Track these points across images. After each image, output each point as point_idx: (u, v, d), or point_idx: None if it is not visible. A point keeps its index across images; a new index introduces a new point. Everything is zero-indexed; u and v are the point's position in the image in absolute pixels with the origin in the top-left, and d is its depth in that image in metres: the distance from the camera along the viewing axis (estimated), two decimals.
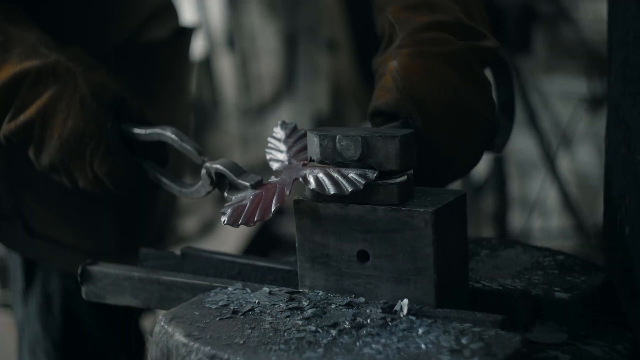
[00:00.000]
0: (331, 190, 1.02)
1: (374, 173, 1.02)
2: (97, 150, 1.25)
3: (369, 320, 0.98)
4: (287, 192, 1.07)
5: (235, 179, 1.15)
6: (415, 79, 1.16)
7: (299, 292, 1.07)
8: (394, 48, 1.19)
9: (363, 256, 1.03)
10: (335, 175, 1.04)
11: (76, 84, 1.26)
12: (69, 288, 1.67)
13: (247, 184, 1.13)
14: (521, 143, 3.61)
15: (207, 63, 4.87)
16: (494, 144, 1.28)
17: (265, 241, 3.90)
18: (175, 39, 1.69)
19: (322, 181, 1.04)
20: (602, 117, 3.08)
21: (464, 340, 0.92)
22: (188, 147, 1.22)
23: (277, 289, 1.08)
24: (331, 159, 1.05)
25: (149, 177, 1.27)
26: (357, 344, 0.93)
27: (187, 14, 4.66)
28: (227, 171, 1.16)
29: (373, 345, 0.92)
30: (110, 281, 1.19)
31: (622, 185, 1.20)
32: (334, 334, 0.95)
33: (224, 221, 1.07)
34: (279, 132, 1.19)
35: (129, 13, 1.59)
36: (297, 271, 1.08)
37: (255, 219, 1.05)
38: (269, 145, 1.18)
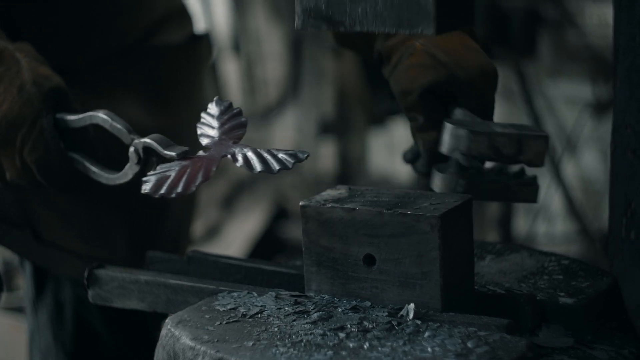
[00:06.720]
0: (258, 168, 1.03)
1: (305, 154, 1.03)
2: (28, 136, 1.23)
3: (375, 324, 0.98)
4: (214, 168, 1.07)
5: (162, 150, 1.15)
6: (451, 50, 1.22)
7: (305, 296, 1.07)
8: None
9: (369, 260, 1.04)
10: (265, 154, 1.04)
11: (18, 70, 1.25)
12: (80, 296, 1.66)
13: (174, 153, 1.13)
14: None
15: (212, 67, 4.87)
16: None
17: (270, 245, 3.90)
18: (189, 44, 1.69)
19: (250, 159, 1.04)
20: (606, 122, 3.08)
21: (469, 344, 0.92)
22: (118, 126, 1.21)
23: (283, 292, 1.08)
24: (483, 155, 1.06)
25: (77, 168, 1.26)
26: (365, 347, 0.93)
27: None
28: (155, 143, 1.16)
29: (380, 349, 0.92)
30: (117, 284, 1.19)
31: (627, 189, 1.20)
32: (341, 337, 0.95)
33: (144, 189, 1.06)
34: (213, 109, 1.19)
35: (139, 12, 1.59)
36: (304, 275, 1.08)
37: (178, 190, 1.04)
38: (202, 120, 1.18)
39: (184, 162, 1.09)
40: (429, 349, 0.92)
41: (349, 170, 4.28)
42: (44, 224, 1.57)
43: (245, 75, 4.74)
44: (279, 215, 4.10)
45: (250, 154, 1.05)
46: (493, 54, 3.41)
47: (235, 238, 3.98)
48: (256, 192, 4.29)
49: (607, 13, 3.14)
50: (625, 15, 1.20)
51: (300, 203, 1.07)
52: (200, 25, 3.88)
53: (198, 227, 4.15)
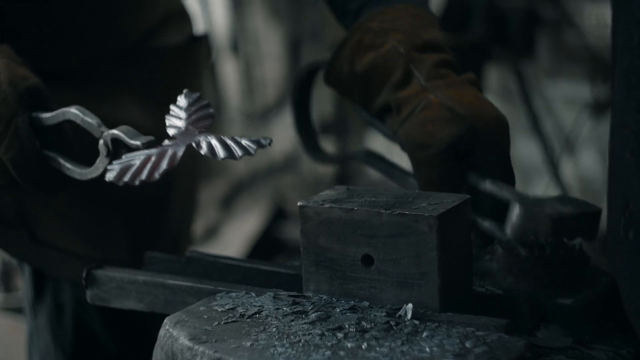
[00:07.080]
0: (221, 154, 1.03)
1: (267, 140, 1.04)
2: (4, 135, 1.23)
3: (373, 324, 0.98)
4: (179, 156, 1.07)
5: (129, 140, 1.15)
6: (467, 104, 1.19)
7: (304, 296, 1.07)
8: (422, 84, 1.21)
9: (367, 260, 1.04)
10: (228, 141, 1.05)
11: None
12: (80, 298, 1.66)
13: (139, 142, 1.13)
14: (524, 148, 3.62)
15: (211, 68, 4.87)
16: None
17: (269, 246, 3.91)
18: (188, 45, 1.69)
19: (214, 146, 1.05)
20: (605, 122, 3.08)
21: (468, 344, 0.92)
22: (89, 120, 1.21)
23: (281, 293, 1.08)
24: (558, 236, 1.08)
25: (53, 165, 1.26)
26: (363, 347, 0.93)
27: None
28: (121, 134, 1.16)
29: (378, 349, 0.92)
30: (115, 285, 1.19)
31: (626, 190, 1.20)
32: (339, 337, 0.95)
33: (109, 177, 1.06)
34: (182, 101, 1.19)
35: (139, 13, 1.59)
36: (302, 275, 1.08)
37: (142, 178, 1.04)
38: (171, 112, 1.18)
39: (148, 151, 1.09)
40: (427, 349, 0.92)
41: (348, 170, 4.28)
42: (42, 225, 1.57)
43: (244, 75, 4.74)
44: (278, 215, 4.10)
45: (214, 142, 1.06)
46: (492, 54, 3.42)
47: (234, 238, 3.98)
48: (255, 192, 4.30)
49: (606, 13, 3.14)
50: (623, 16, 1.20)
51: (299, 203, 1.07)
52: (199, 26, 3.89)
53: (197, 227, 4.16)
